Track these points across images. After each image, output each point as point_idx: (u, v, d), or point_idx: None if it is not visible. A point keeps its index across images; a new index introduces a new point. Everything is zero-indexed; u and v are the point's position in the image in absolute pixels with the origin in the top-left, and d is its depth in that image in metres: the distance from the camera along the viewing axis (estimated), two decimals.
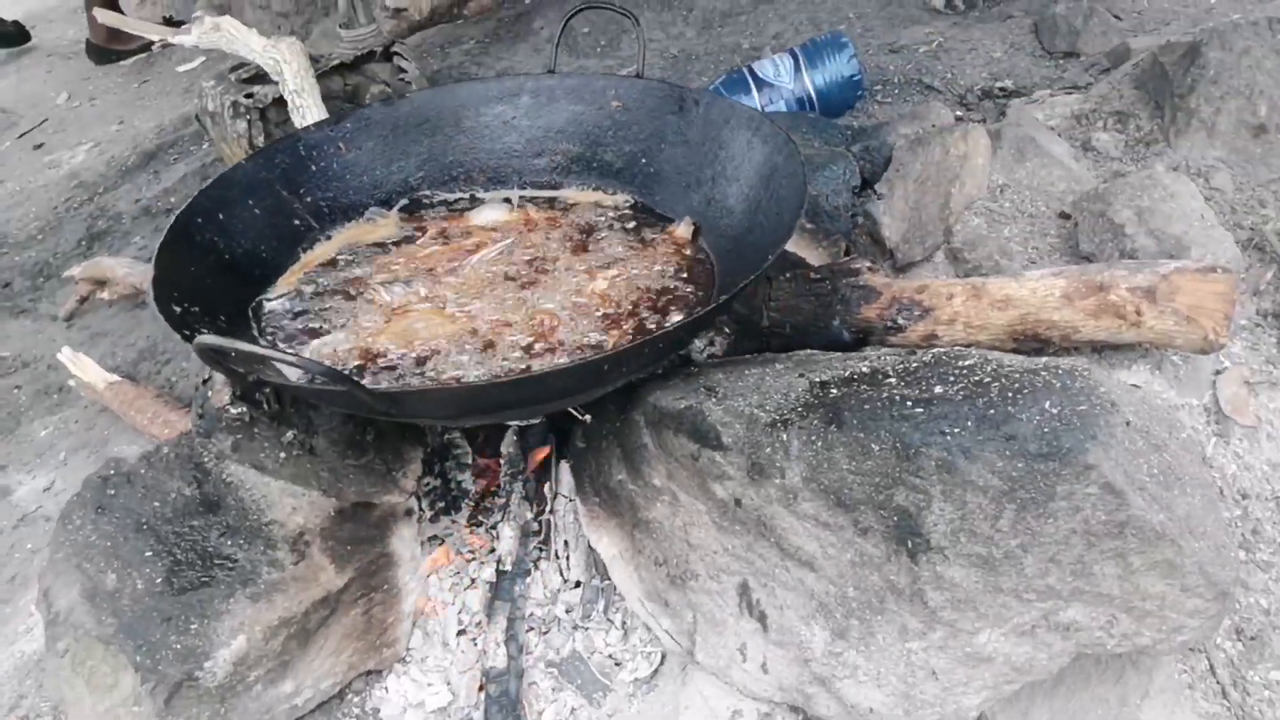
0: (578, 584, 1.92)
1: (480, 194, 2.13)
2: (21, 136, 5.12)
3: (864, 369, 1.47)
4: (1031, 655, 1.26)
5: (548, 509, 1.93)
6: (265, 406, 1.62)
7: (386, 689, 1.86)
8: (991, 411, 1.20)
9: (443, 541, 1.95)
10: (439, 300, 1.75)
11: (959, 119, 2.40)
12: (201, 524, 1.63)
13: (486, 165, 2.15)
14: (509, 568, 1.79)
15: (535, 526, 1.90)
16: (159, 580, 1.56)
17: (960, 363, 1.40)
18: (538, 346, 1.61)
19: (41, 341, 3.38)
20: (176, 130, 4.57)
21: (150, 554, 1.58)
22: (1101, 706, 1.42)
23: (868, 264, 1.89)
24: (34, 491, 2.70)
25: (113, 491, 1.64)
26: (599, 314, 1.68)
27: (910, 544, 1.22)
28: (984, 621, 1.23)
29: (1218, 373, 1.76)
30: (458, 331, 1.67)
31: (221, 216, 1.82)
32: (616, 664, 1.84)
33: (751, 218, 1.78)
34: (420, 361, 1.60)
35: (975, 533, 1.19)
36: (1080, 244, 1.92)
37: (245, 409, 1.61)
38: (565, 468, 1.93)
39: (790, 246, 1.81)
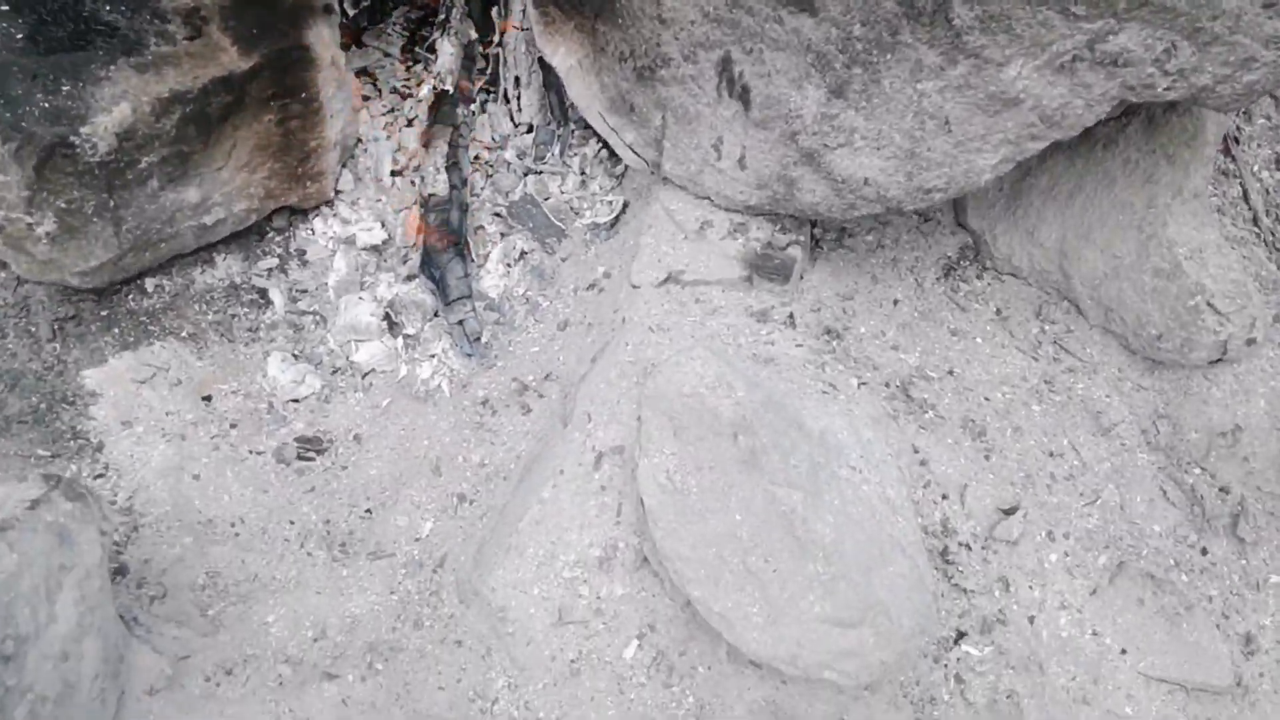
0: (530, 129, 1.68)
1: None
2: None
3: None
4: (1066, 99, 1.05)
5: (495, 39, 1.66)
6: None
7: (313, 230, 1.64)
8: None
9: (374, 78, 1.68)
10: None
11: None
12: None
13: None
14: (450, 89, 1.54)
15: (481, 60, 1.63)
16: (20, 36, 1.28)
17: None
18: None
19: None
20: None
21: (8, 8, 1.29)
22: (1124, 212, 1.25)
23: None
24: None
25: None
26: None
27: None
28: (1017, 47, 1.02)
29: None
30: None
31: None
32: (574, 210, 1.63)
33: None
34: None
35: None
36: None
37: None
38: None
39: None
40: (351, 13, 1.57)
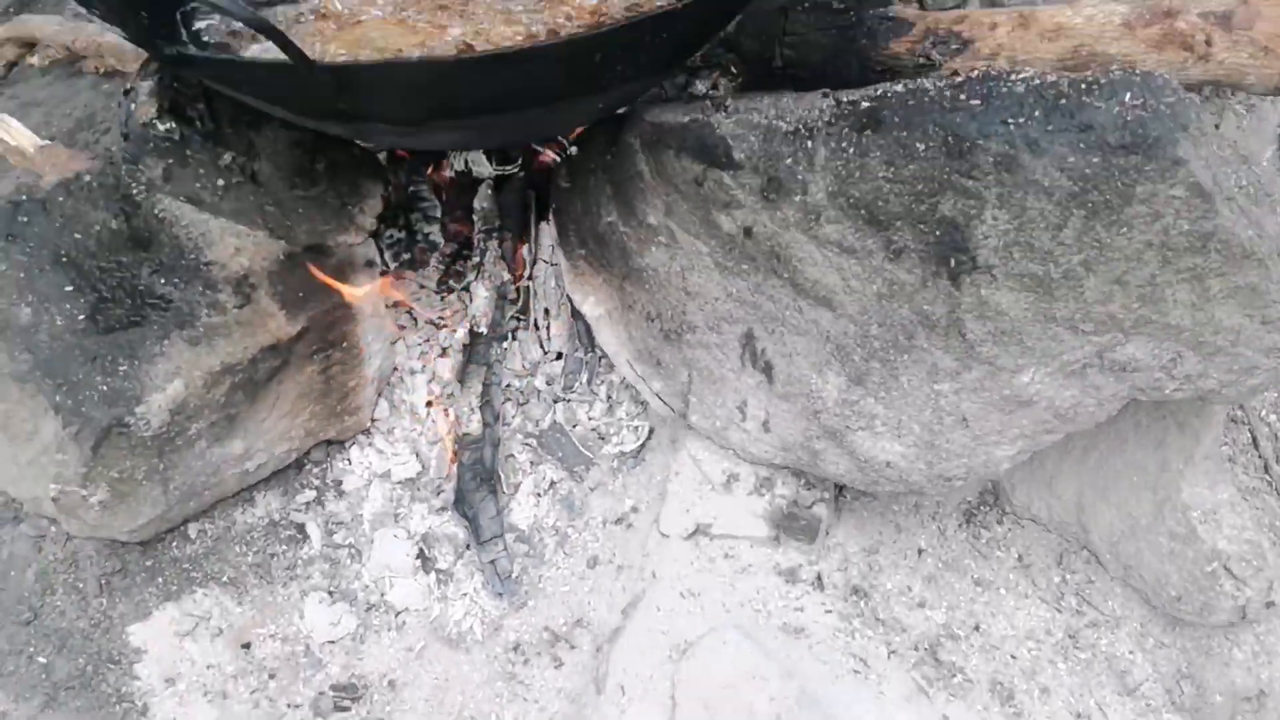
0: (559, 356, 1.76)
1: None
2: None
3: (899, 89, 1.25)
4: (1078, 400, 1.10)
5: (526, 273, 1.74)
6: (199, 124, 1.39)
7: (349, 460, 1.71)
8: (1063, 102, 1.00)
9: (410, 309, 1.76)
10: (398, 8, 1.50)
11: None
12: (130, 260, 1.42)
13: None
14: (484, 329, 1.61)
15: (512, 291, 1.71)
16: (81, 317, 1.36)
17: (1016, 75, 1.20)
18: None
19: None
20: None
21: (71, 289, 1.38)
22: (1137, 473, 1.29)
23: None
24: None
25: (25, 219, 1.42)
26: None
27: (953, 263, 1.04)
28: (1029, 358, 1.07)
29: None
30: (422, 41, 1.43)
31: None
32: (600, 437, 1.69)
33: None
34: None
35: (1032, 246, 1.01)
36: None
37: (175, 125, 1.38)
38: (545, 229, 1.73)
39: None
40: (393, 265, 1.66)
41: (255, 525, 1.61)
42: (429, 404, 1.72)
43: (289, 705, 1.45)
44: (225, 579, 1.55)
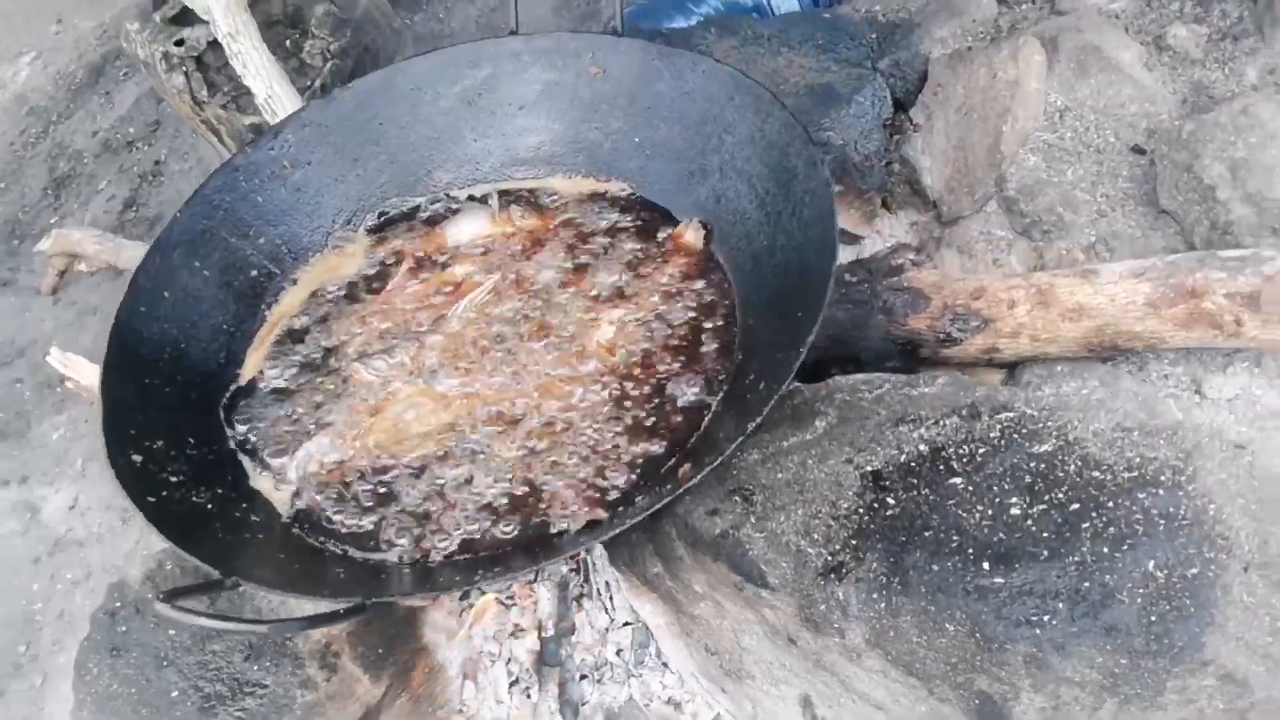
0: (626, 623, 1.84)
1: (455, 192, 1.85)
2: None
3: (922, 449, 1.28)
4: None
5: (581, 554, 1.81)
6: None
7: None
8: (1086, 585, 1.02)
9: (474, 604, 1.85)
10: (426, 373, 1.54)
11: (1002, 7, 2.01)
12: (221, 648, 1.54)
13: (456, 157, 1.86)
14: (551, 631, 1.70)
15: (574, 581, 1.79)
16: None
17: (1034, 448, 1.21)
18: (542, 445, 1.42)
19: (31, 322, 3.22)
20: (119, 29, 4.16)
21: (176, 694, 1.50)
22: None
23: (910, 254, 1.63)
24: (60, 510, 2.65)
25: (123, 628, 1.55)
26: (610, 386, 1.46)
27: None
28: None
29: None
30: (453, 420, 1.48)
31: (168, 295, 1.59)
32: (675, 707, 1.78)
33: (772, 235, 1.51)
34: (417, 473, 1.43)
35: None
36: (1160, 196, 1.63)
37: None
38: None
39: None
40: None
41: None
42: (512, 684, 1.82)
43: None
44: None
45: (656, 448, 1.36)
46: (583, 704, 1.77)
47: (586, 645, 1.82)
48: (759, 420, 1.09)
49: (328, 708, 1.53)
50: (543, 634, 1.70)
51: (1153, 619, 0.99)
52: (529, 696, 1.78)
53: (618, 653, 1.81)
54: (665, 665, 1.79)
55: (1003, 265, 1.78)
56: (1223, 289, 1.37)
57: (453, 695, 1.78)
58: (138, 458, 1.35)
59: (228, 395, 1.56)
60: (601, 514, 1.26)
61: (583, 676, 1.80)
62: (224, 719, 1.49)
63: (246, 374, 1.61)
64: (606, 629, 1.83)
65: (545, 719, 1.69)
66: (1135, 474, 1.12)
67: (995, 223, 1.80)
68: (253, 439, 1.50)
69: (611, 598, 1.82)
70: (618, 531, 1.17)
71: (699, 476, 1.09)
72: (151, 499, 1.24)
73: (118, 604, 1.57)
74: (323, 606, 1.04)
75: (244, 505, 1.36)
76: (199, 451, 1.42)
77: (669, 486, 1.18)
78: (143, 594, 1.57)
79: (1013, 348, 1.51)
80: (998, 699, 1.05)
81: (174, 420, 1.44)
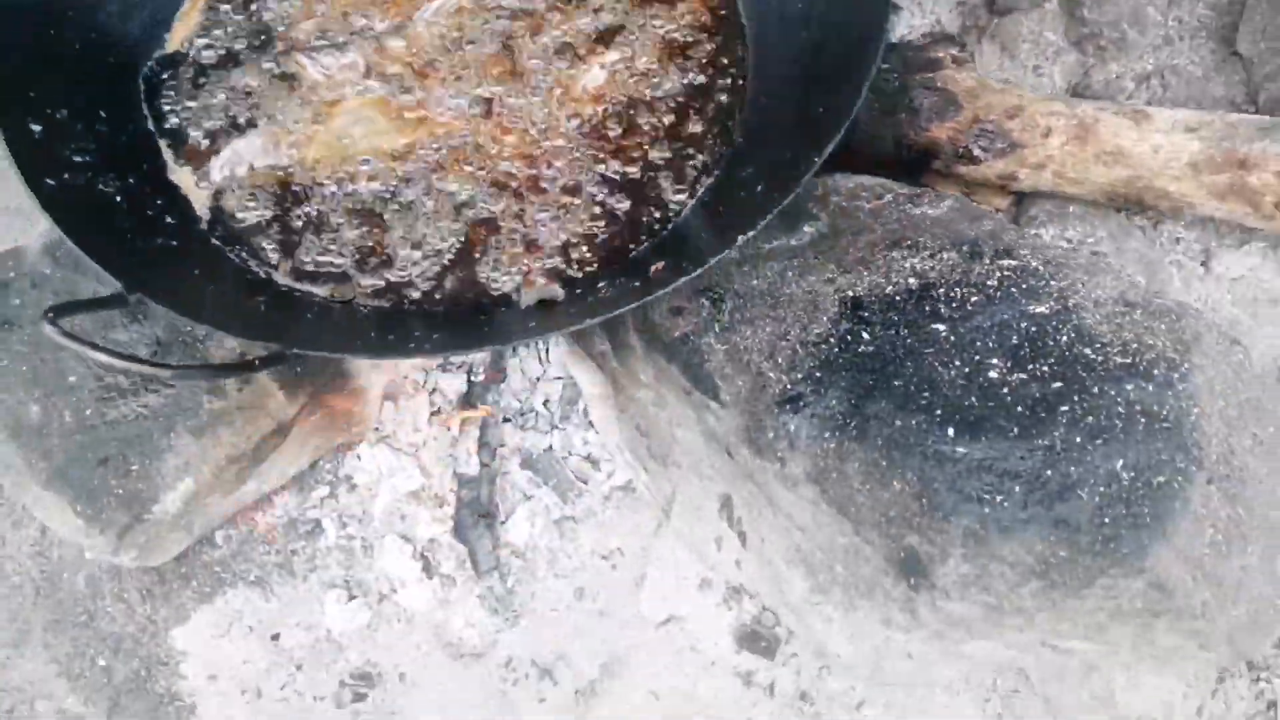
0: (558, 377, 1.78)
1: None
2: None
3: (911, 283, 1.18)
4: (1017, 658, 1.18)
5: None
6: None
7: (359, 457, 1.81)
8: (1049, 473, 0.98)
9: None
10: (380, 82, 1.35)
11: None
12: (126, 339, 1.43)
13: None
14: (481, 376, 1.63)
15: None
16: (88, 411, 1.41)
17: (1031, 307, 1.13)
18: (517, 180, 1.27)
19: None
20: None
21: (74, 379, 1.41)
22: None
23: (952, 48, 1.45)
24: None
25: (17, 300, 1.42)
26: (591, 132, 1.30)
27: (912, 580, 1.07)
28: (976, 637, 1.14)
29: None
30: (407, 147, 1.31)
31: None
32: (594, 464, 1.77)
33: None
34: (359, 202, 1.28)
35: (989, 589, 1.04)
36: (1240, 37, 1.46)
37: None
38: None
39: None
40: None
41: (275, 525, 1.76)
42: (433, 414, 1.78)
43: (315, 698, 1.70)
44: (252, 578, 1.73)
45: (628, 234, 1.23)
46: (500, 445, 1.76)
47: (515, 390, 1.78)
48: (750, 234, 0.96)
49: (236, 418, 1.47)
50: (472, 377, 1.64)
51: (1105, 521, 0.95)
52: (449, 430, 1.76)
53: (544, 403, 1.77)
54: (590, 425, 1.77)
55: (1043, 74, 1.60)
56: (1277, 167, 1.25)
57: (371, 415, 1.74)
58: (36, 126, 1.16)
59: (150, 65, 1.34)
60: (558, 291, 1.15)
61: (505, 419, 1.77)
62: (124, 410, 1.42)
63: (173, 42, 1.38)
64: (538, 379, 1.78)
65: (461, 454, 1.67)
66: (1129, 361, 1.04)
67: (1050, 24, 1.60)
68: (174, 121, 1.30)
69: (548, 350, 1.76)
70: (576, 328, 1.06)
71: (673, 286, 0.98)
72: (51, 180, 1.08)
73: (12, 274, 1.43)
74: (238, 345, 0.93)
75: (158, 202, 1.20)
76: (110, 129, 1.23)
77: (638, 284, 1.07)
78: (39, 267, 1.43)
79: (1033, 179, 1.39)
80: (924, 558, 1.04)
81: (83, 87, 1.23)
